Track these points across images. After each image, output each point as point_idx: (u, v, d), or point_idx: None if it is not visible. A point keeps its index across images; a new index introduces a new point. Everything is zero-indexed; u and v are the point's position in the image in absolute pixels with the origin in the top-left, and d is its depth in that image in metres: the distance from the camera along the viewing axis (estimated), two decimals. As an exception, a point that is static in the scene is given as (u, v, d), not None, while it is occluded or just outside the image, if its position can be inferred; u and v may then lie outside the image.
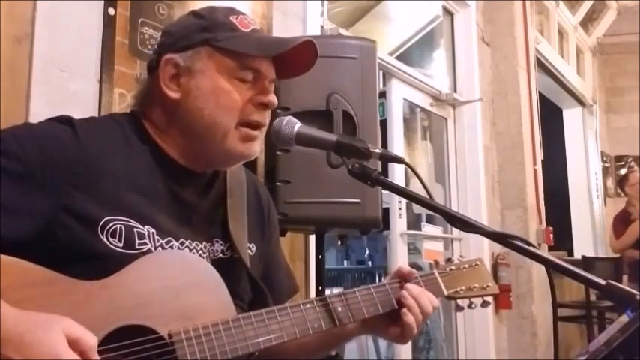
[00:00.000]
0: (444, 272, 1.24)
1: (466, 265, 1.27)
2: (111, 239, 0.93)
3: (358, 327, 1.17)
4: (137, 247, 0.95)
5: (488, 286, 1.26)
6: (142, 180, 1.01)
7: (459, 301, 1.24)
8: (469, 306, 1.24)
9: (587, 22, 6.72)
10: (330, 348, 1.25)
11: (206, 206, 1.11)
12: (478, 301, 1.25)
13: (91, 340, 0.78)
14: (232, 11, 1.09)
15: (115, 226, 0.94)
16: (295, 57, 1.10)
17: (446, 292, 1.21)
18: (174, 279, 0.94)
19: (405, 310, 1.12)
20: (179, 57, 1.05)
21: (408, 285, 1.15)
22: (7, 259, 0.83)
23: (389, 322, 1.15)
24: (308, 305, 1.03)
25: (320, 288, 2.12)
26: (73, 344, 0.76)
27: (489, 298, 1.27)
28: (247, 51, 1.04)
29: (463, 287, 1.23)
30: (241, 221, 1.14)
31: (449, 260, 1.28)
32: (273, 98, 1.08)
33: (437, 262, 1.26)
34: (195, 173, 1.09)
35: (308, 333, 1.01)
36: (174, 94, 1.05)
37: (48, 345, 0.75)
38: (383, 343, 4.54)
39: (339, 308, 1.06)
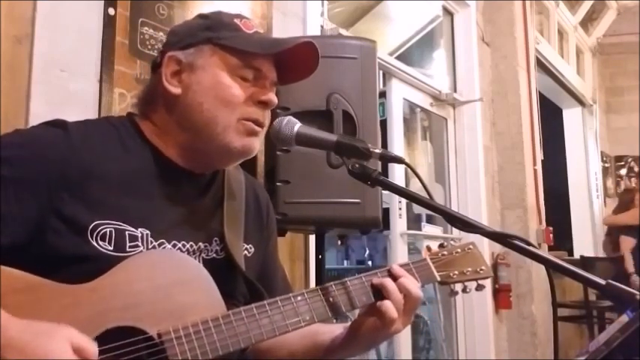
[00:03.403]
0: (435, 258, 1.22)
1: (458, 250, 1.25)
2: (100, 242, 0.93)
3: (348, 336, 1.12)
4: (128, 249, 0.95)
5: (482, 269, 1.23)
6: (138, 182, 1.01)
7: (453, 286, 1.21)
8: (463, 290, 1.22)
9: (587, 22, 6.72)
10: None
11: (204, 207, 1.10)
12: (472, 285, 1.23)
13: (92, 347, 0.79)
14: (237, 15, 1.11)
15: (104, 230, 0.94)
16: (297, 60, 1.10)
17: (438, 278, 1.19)
18: (162, 278, 0.93)
19: (383, 284, 1.07)
20: (182, 54, 1.06)
21: (392, 265, 1.11)
22: None
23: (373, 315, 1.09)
24: (299, 298, 1.01)
25: (320, 288, 2.12)
26: (76, 352, 0.77)
27: (484, 282, 1.24)
28: (249, 49, 1.05)
29: (456, 272, 1.21)
30: (237, 222, 1.14)
31: (441, 246, 1.26)
32: (273, 97, 1.08)
33: (429, 248, 1.25)
34: (194, 174, 1.09)
35: (300, 326, 1.00)
36: (175, 90, 1.05)
37: (53, 353, 0.75)
38: (383, 343, 4.54)
39: (331, 299, 1.04)
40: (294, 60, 1.09)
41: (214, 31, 1.06)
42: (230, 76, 1.05)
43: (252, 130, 1.06)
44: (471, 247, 1.27)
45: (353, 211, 1.91)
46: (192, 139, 1.06)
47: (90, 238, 0.93)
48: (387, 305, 1.05)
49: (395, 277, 1.09)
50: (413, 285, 1.09)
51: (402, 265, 1.13)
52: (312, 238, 2.43)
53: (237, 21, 1.08)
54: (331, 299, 1.04)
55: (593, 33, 6.90)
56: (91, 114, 1.72)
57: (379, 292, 1.08)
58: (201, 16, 1.12)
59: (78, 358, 0.77)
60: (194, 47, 1.06)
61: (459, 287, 1.22)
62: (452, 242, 1.27)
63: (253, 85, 1.07)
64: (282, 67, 1.10)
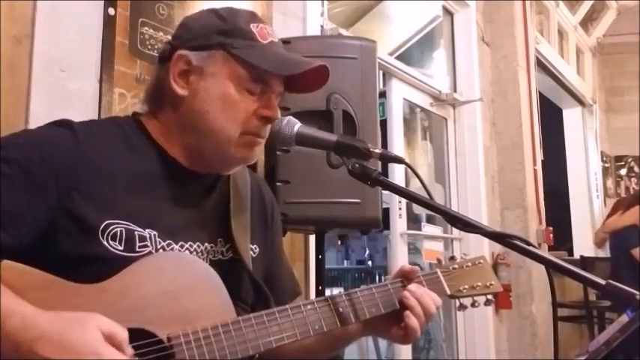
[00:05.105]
0: (446, 271, 1.22)
1: (469, 264, 1.25)
2: (111, 242, 0.93)
3: (360, 328, 1.17)
4: (137, 249, 0.95)
5: (491, 284, 1.24)
6: (144, 183, 1.01)
7: (462, 300, 1.22)
8: (472, 305, 1.23)
9: (587, 22, 6.72)
10: (333, 350, 1.23)
11: (209, 207, 1.10)
12: (481, 299, 1.24)
13: (122, 333, 0.81)
14: (254, 18, 1.08)
15: (115, 230, 0.94)
16: (307, 78, 1.09)
17: (449, 292, 1.20)
18: (173, 281, 0.93)
19: (407, 312, 1.12)
20: (193, 55, 1.04)
21: (411, 286, 1.15)
22: (4, 262, 0.83)
23: (391, 322, 1.15)
24: (309, 306, 1.02)
25: (320, 288, 2.12)
26: (108, 339, 0.79)
27: (492, 297, 1.26)
28: (262, 65, 1.03)
29: (466, 286, 1.21)
30: (244, 222, 1.14)
31: (452, 259, 1.26)
32: (276, 113, 1.07)
33: (440, 261, 1.25)
34: (199, 174, 1.09)
35: (309, 335, 1.01)
36: (181, 91, 1.04)
37: (87, 342, 0.77)
38: (383, 343, 4.54)
39: (341, 309, 1.06)
40: (305, 78, 1.09)
41: (229, 37, 1.03)
42: (238, 89, 1.04)
43: (253, 142, 1.07)
44: (481, 261, 1.27)
45: (353, 211, 1.91)
46: (193, 141, 1.06)
47: (101, 238, 0.93)
48: (414, 323, 1.12)
49: (415, 296, 1.14)
50: (432, 306, 1.14)
51: (415, 280, 1.17)
52: (312, 238, 2.43)
53: (253, 28, 1.05)
54: (340, 309, 1.06)
55: (593, 33, 6.89)
56: (91, 114, 1.72)
57: (401, 305, 1.13)
58: (217, 15, 1.07)
59: (109, 344, 0.78)
60: (206, 51, 1.03)
61: (467, 301, 1.23)
62: (463, 255, 1.28)
63: (259, 99, 1.06)
64: (291, 79, 1.09)
